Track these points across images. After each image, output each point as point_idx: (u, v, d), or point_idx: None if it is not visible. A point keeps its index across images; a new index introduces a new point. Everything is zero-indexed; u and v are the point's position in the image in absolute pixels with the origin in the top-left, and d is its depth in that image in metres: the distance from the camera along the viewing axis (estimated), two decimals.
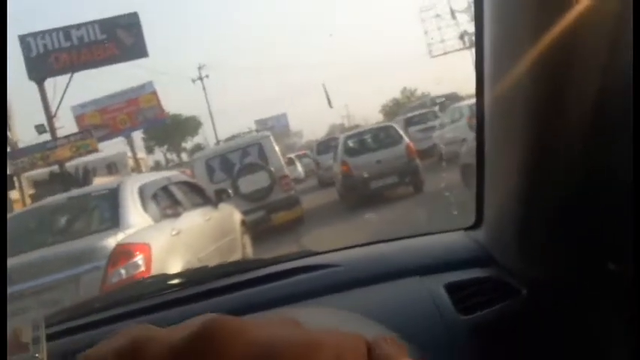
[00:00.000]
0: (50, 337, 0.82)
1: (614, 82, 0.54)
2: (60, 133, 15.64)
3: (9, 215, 4.14)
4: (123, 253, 3.29)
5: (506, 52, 0.64)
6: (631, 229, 0.54)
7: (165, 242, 3.58)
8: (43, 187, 14.40)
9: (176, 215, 3.92)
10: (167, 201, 4.14)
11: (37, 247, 3.61)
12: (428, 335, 0.79)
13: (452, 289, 0.85)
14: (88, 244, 3.42)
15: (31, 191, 14.38)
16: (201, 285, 1.10)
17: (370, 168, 8.52)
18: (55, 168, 15.33)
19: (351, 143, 9.43)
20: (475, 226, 0.98)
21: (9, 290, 3.29)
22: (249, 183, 7.97)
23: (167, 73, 67.82)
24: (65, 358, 0.78)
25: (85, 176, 14.61)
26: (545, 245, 0.73)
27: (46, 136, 15.46)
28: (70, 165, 15.33)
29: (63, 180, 14.30)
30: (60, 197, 4.24)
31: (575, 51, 0.55)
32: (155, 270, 3.27)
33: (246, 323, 0.17)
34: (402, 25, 73.86)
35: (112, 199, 3.70)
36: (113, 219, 3.59)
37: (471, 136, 6.20)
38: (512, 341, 0.78)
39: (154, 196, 3.94)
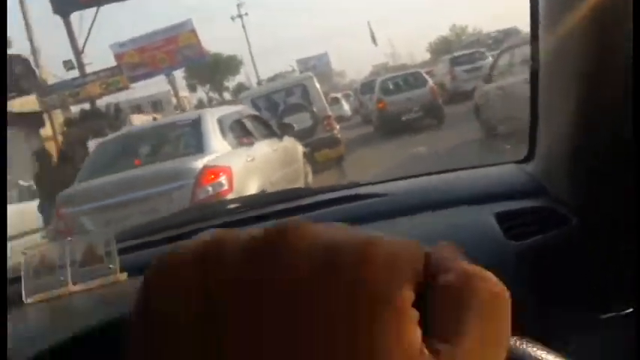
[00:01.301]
0: (121, 252, 0.98)
1: None
2: (89, 69, 16.73)
3: (101, 140, 5.21)
4: (209, 173, 4.28)
5: None
6: None
7: (243, 167, 4.56)
8: (74, 124, 15.59)
9: (249, 144, 4.90)
10: (241, 132, 5.14)
11: (131, 168, 4.66)
12: (476, 260, 1.17)
13: (502, 217, 0.91)
14: (178, 165, 4.45)
15: (63, 128, 15.60)
16: (256, 210, 1.28)
17: (401, 104, 11.95)
18: (86, 106, 16.49)
19: (385, 85, 12.96)
20: (527, 159, 1.07)
21: (112, 200, 4.37)
22: (293, 123, 8.95)
23: (205, 10, 68.50)
24: (135, 269, 0.94)
25: (116, 114, 15.71)
26: (598, 175, 0.80)
27: (75, 73, 16.59)
28: (100, 103, 16.48)
29: (94, 118, 15.44)
30: (146, 125, 5.29)
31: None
32: (236, 190, 4.27)
33: (310, 224, 0.22)
34: None
35: (195, 127, 4.70)
36: (198, 145, 4.60)
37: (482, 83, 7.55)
38: (562, 267, 0.84)
39: (230, 127, 4.92)
